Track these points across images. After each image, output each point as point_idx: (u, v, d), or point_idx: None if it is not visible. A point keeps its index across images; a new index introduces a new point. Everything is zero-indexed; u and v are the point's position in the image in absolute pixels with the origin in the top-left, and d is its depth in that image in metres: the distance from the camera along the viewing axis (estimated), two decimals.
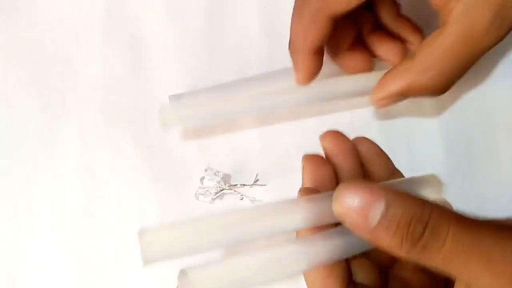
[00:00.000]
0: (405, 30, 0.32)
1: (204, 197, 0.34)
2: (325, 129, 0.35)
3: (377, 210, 0.19)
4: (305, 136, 0.35)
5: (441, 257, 0.19)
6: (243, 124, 0.36)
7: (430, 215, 0.19)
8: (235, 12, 0.38)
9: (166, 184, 0.35)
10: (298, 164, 0.35)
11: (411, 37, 0.32)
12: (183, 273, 0.21)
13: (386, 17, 0.32)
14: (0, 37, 0.38)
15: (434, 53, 0.27)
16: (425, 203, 0.19)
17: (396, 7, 0.32)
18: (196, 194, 0.34)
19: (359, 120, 0.35)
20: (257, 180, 0.34)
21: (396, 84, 0.29)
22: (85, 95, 0.37)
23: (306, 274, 0.23)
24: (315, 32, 0.28)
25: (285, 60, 0.32)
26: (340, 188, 0.20)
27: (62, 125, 0.36)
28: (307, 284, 0.23)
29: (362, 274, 0.25)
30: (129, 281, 0.34)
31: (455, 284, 0.20)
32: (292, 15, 0.30)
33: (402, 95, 0.29)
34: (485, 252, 0.18)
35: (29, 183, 0.36)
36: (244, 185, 0.34)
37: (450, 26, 0.26)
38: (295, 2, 0.29)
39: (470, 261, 0.18)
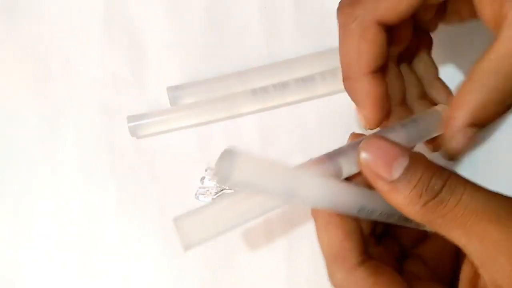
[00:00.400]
0: (439, 93, 0.31)
1: (204, 197, 0.34)
2: (325, 129, 0.35)
3: (401, 163, 0.20)
4: (305, 136, 0.35)
5: (454, 214, 0.19)
6: (244, 124, 0.36)
7: (449, 175, 0.20)
8: (235, 12, 0.38)
9: (166, 184, 0.35)
10: (298, 164, 0.35)
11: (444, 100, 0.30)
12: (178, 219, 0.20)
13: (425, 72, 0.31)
14: (0, 37, 0.38)
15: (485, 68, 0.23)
16: (444, 167, 0.20)
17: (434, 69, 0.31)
18: (196, 194, 0.34)
19: (358, 120, 0.35)
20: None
21: (466, 111, 0.23)
22: (85, 95, 0.37)
23: (321, 235, 0.23)
24: (368, 45, 0.24)
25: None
26: (368, 138, 0.21)
27: (62, 125, 0.36)
28: (321, 247, 0.23)
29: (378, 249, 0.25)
30: (129, 280, 0.34)
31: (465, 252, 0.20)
32: (339, 40, 0.25)
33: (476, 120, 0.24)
34: (495, 212, 0.19)
35: (29, 183, 0.36)
36: None
37: (502, 37, 0.22)
38: (339, 21, 0.25)
39: (481, 218, 0.19)
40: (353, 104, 0.35)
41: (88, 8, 0.38)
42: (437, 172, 0.20)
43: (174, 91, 0.35)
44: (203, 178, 0.35)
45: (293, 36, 0.37)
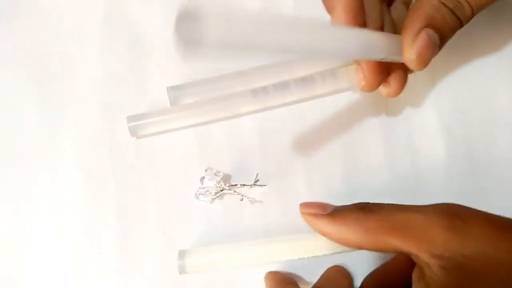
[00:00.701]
0: None
1: (204, 197, 0.34)
2: (324, 130, 0.35)
3: (328, 208, 0.27)
4: (306, 136, 0.35)
5: (379, 222, 0.25)
6: (244, 124, 0.36)
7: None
8: None
9: (166, 184, 0.35)
10: (298, 164, 0.35)
11: None
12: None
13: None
14: (0, 37, 0.38)
15: None
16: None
17: None
18: (196, 194, 0.34)
19: (359, 120, 0.35)
20: (257, 180, 0.34)
21: (420, 23, 0.27)
22: (85, 95, 0.37)
23: None
24: None
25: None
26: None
27: (62, 125, 0.36)
28: None
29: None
30: (129, 280, 0.34)
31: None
32: None
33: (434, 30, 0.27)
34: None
35: (29, 183, 0.36)
36: (244, 185, 0.34)
37: None
38: None
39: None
40: (352, 104, 0.36)
41: (88, 8, 0.38)
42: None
43: (174, 91, 0.35)
44: (203, 178, 0.35)
45: None
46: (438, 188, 0.33)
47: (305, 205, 0.27)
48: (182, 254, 0.33)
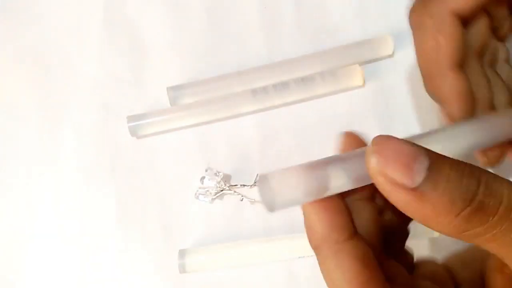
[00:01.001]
0: None
1: (204, 197, 0.34)
2: (324, 130, 0.35)
3: (423, 165, 0.16)
4: (306, 136, 0.35)
5: (497, 220, 0.16)
6: (244, 124, 0.36)
7: (480, 171, 0.16)
8: (235, 12, 0.38)
9: (166, 184, 0.35)
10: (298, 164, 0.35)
11: None
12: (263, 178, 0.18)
13: None
14: (0, 37, 0.38)
15: None
16: (470, 164, 0.16)
17: None
18: (196, 194, 0.34)
19: (358, 120, 0.35)
20: (257, 180, 0.34)
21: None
22: (85, 95, 0.37)
23: (330, 266, 0.19)
24: (447, 39, 0.23)
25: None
26: (376, 139, 0.17)
27: (62, 125, 0.36)
28: (332, 282, 0.19)
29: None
30: (129, 280, 0.34)
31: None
32: (414, 41, 0.25)
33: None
34: None
35: (29, 182, 0.36)
36: (244, 185, 0.34)
37: None
38: (413, 22, 0.25)
39: None
40: (352, 104, 0.36)
41: (88, 8, 0.38)
42: (466, 168, 0.16)
43: (174, 91, 0.35)
44: (203, 178, 0.35)
45: (293, 36, 0.37)
46: None
47: (384, 154, 0.16)
48: (182, 253, 0.33)
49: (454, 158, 0.16)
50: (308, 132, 0.35)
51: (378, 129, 0.35)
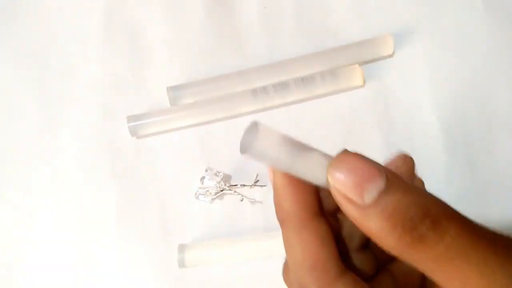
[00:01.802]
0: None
1: (204, 197, 0.34)
2: (324, 130, 0.35)
3: (376, 185, 0.17)
4: (306, 136, 0.35)
5: (434, 254, 0.16)
6: (244, 124, 0.36)
7: (434, 205, 0.17)
8: (235, 12, 0.38)
9: (166, 184, 0.35)
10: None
11: None
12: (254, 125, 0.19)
13: None
14: (0, 37, 0.38)
15: None
16: (429, 193, 0.17)
17: None
18: (196, 194, 0.34)
19: (359, 120, 0.35)
20: (257, 180, 0.34)
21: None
22: (85, 95, 0.37)
23: (292, 243, 0.20)
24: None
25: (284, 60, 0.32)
26: (340, 154, 0.18)
27: (62, 125, 0.36)
28: (292, 257, 0.20)
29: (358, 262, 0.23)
30: (129, 280, 0.34)
31: None
32: None
33: None
34: (480, 258, 0.16)
35: (29, 183, 0.36)
36: (244, 185, 0.34)
37: None
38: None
39: (464, 263, 0.16)
40: (352, 104, 0.36)
41: (88, 8, 0.38)
42: (419, 200, 0.17)
43: (174, 91, 0.35)
44: (203, 178, 0.35)
45: (293, 36, 0.37)
46: (438, 188, 0.33)
47: (339, 170, 0.17)
48: (181, 248, 0.33)
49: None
50: (308, 132, 0.35)
51: (378, 129, 0.35)
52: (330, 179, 0.18)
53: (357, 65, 0.35)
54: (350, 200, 0.17)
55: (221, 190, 0.34)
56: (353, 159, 0.17)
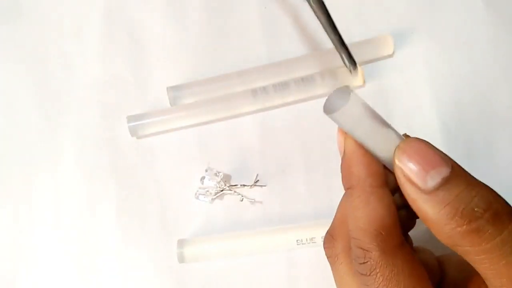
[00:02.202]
0: None
1: (204, 197, 0.34)
2: (324, 130, 0.35)
3: (440, 174, 0.17)
4: (306, 136, 0.35)
5: (488, 247, 0.17)
6: (244, 124, 0.36)
7: (496, 200, 0.17)
8: (235, 12, 0.38)
9: (166, 184, 0.35)
10: (298, 164, 0.35)
11: None
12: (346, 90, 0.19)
13: None
14: (0, 37, 0.38)
15: None
16: (490, 188, 0.17)
17: None
18: (196, 194, 0.34)
19: None
20: (257, 180, 0.34)
21: None
22: (85, 95, 0.37)
23: (360, 207, 0.20)
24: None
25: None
26: (411, 139, 0.19)
27: (62, 125, 0.36)
28: (357, 221, 0.20)
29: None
30: (129, 279, 0.34)
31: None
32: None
33: None
34: None
35: (29, 183, 0.36)
36: (244, 185, 0.34)
37: None
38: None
39: None
40: None
41: (88, 8, 0.38)
42: (482, 193, 0.17)
43: (174, 91, 0.35)
44: (203, 178, 0.35)
45: (293, 36, 0.37)
46: None
47: (407, 155, 0.18)
48: (181, 243, 0.33)
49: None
50: (308, 132, 0.35)
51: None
52: (396, 160, 0.19)
53: (357, 65, 0.35)
54: (412, 183, 0.18)
55: (221, 190, 0.34)
56: (422, 145, 0.18)
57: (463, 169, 0.18)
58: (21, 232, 0.35)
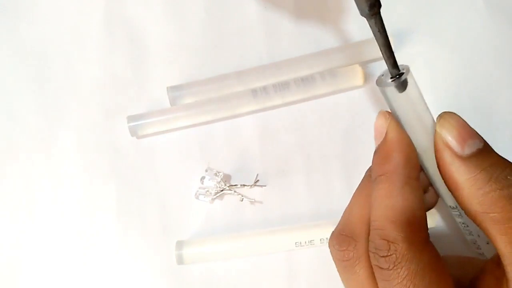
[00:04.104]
0: None
1: (204, 197, 0.34)
2: (324, 130, 0.35)
3: (476, 144, 0.19)
4: (306, 136, 0.35)
5: None
6: (244, 124, 0.36)
7: None
8: (235, 12, 0.38)
9: (166, 184, 0.35)
10: (298, 164, 0.35)
11: None
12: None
13: None
14: (0, 37, 0.38)
15: None
16: None
17: None
18: (196, 194, 0.34)
19: (359, 120, 0.35)
20: (257, 180, 0.34)
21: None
22: (85, 95, 0.37)
23: (394, 196, 0.20)
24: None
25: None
26: (451, 112, 0.21)
27: (62, 125, 0.36)
28: (389, 209, 0.20)
29: None
30: (129, 279, 0.34)
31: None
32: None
33: None
34: None
35: (29, 182, 0.36)
36: (244, 185, 0.34)
37: None
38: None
39: None
40: (352, 104, 0.36)
41: (88, 8, 0.38)
42: (510, 166, 0.19)
43: (174, 91, 0.35)
44: (203, 178, 0.35)
45: (293, 36, 0.37)
46: None
47: (448, 123, 0.20)
48: (179, 244, 0.33)
49: None
50: (308, 132, 0.35)
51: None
52: (438, 127, 0.20)
53: (357, 65, 0.35)
54: (451, 148, 0.19)
55: (221, 190, 0.34)
56: (460, 119, 0.20)
57: (488, 143, 0.20)
58: (20, 232, 0.35)
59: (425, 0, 0.37)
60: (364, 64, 0.36)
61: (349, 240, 0.21)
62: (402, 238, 0.19)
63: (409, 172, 0.20)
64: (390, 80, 0.20)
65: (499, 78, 0.35)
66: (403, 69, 0.21)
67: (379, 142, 0.21)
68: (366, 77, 0.35)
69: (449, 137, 0.19)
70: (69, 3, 0.38)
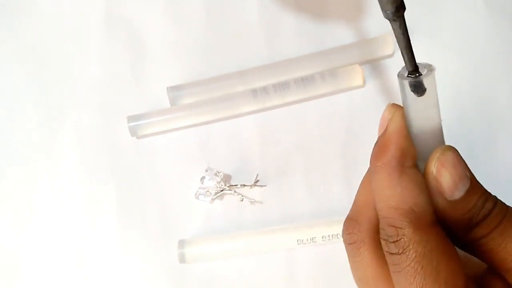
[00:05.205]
0: None
1: (204, 197, 0.34)
2: (324, 130, 0.35)
3: (464, 184, 0.20)
4: (306, 136, 0.35)
5: (499, 234, 0.19)
6: (244, 124, 0.36)
7: (497, 199, 0.20)
8: (235, 12, 0.38)
9: (166, 184, 0.35)
10: (298, 164, 0.35)
11: None
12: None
13: None
14: (0, 37, 0.38)
15: None
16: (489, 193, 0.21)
17: None
18: (196, 194, 0.34)
19: (358, 120, 0.35)
20: (257, 180, 0.34)
21: None
22: (85, 95, 0.37)
23: (392, 185, 0.21)
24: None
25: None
26: (448, 150, 0.21)
27: (62, 125, 0.36)
28: (389, 199, 0.21)
29: None
30: (129, 279, 0.34)
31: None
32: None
33: None
34: None
35: (29, 182, 0.36)
36: (244, 185, 0.34)
37: None
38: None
39: None
40: (352, 104, 0.36)
41: (88, 8, 0.38)
42: (489, 196, 0.20)
43: (174, 91, 0.35)
44: (203, 178, 0.35)
45: (293, 36, 0.37)
46: None
47: (445, 168, 0.20)
48: (181, 243, 0.33)
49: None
50: (308, 132, 0.35)
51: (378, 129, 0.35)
52: (434, 170, 0.20)
53: (357, 65, 0.35)
54: (442, 194, 0.20)
55: (221, 190, 0.34)
56: (455, 157, 0.20)
57: (473, 176, 0.21)
58: (20, 232, 0.35)
59: (425, 0, 0.37)
60: (364, 64, 0.36)
61: (354, 223, 0.22)
62: (407, 223, 0.20)
63: (406, 162, 0.21)
64: (408, 81, 0.22)
65: (499, 78, 0.35)
66: (426, 69, 0.22)
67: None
68: (366, 77, 0.35)
69: (443, 183, 0.20)
70: (69, 3, 0.38)
